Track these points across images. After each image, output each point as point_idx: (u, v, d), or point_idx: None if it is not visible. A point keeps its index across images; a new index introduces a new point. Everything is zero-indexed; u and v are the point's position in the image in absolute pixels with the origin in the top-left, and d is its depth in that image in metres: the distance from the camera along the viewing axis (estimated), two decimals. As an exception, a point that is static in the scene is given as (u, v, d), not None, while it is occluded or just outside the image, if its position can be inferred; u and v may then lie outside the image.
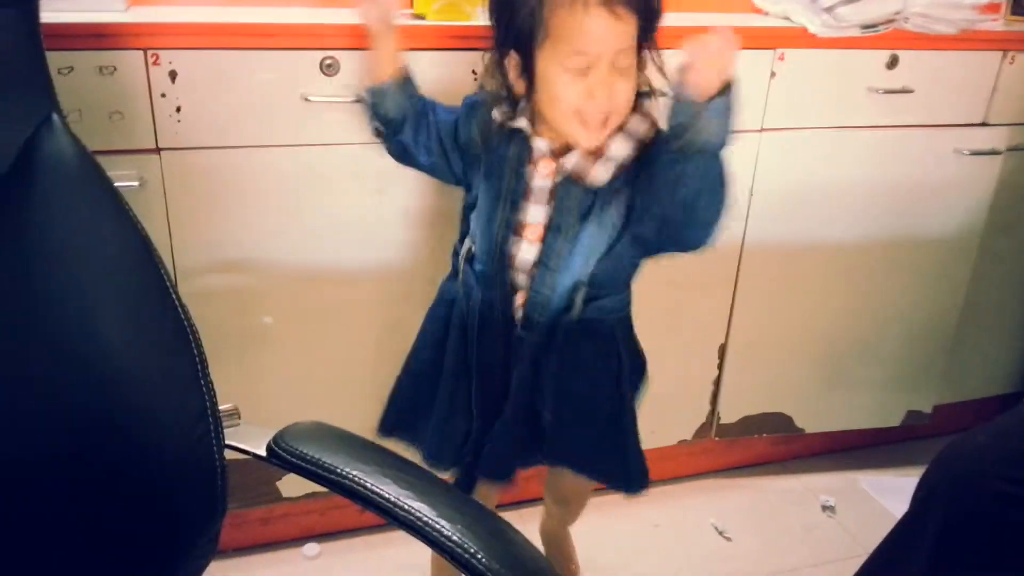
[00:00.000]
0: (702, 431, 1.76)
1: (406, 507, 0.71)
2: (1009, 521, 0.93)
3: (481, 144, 1.14)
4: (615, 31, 1.01)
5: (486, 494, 1.31)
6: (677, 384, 1.69)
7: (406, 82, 1.15)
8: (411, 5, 1.37)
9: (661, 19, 1.08)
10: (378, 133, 1.19)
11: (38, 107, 0.79)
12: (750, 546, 1.70)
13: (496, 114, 1.12)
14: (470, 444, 1.23)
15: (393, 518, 0.72)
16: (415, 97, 1.16)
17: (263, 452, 0.82)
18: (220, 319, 1.34)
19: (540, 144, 1.10)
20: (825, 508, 1.81)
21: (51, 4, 0.99)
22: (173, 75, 1.20)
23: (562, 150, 1.10)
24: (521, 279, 1.14)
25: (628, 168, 1.09)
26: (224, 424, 0.83)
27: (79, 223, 0.77)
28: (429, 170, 1.21)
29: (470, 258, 1.17)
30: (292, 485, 1.50)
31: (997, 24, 1.67)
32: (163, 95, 1.21)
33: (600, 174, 1.08)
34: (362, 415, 1.47)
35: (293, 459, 0.79)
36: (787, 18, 1.53)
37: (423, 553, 1.43)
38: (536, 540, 1.52)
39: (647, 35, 1.07)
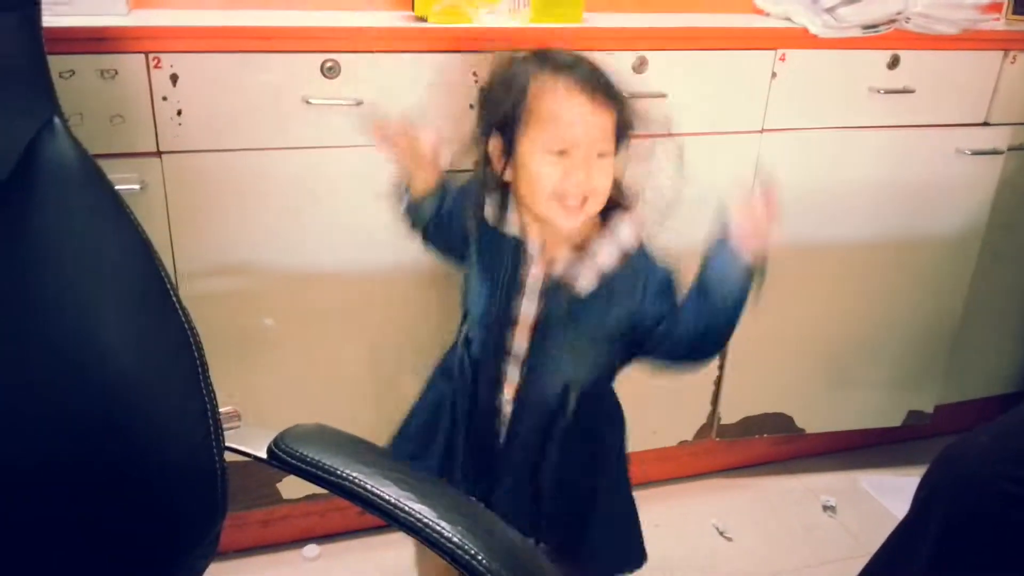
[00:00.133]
0: (703, 431, 1.76)
1: (407, 509, 0.72)
2: (1011, 521, 0.93)
3: (475, 235, 1.15)
4: (594, 118, 1.04)
5: None
6: (678, 385, 1.68)
7: (443, 188, 1.17)
8: (412, 7, 1.37)
9: (635, 126, 1.11)
10: (413, 227, 1.22)
11: (39, 110, 0.79)
12: (751, 546, 1.70)
13: (489, 215, 1.13)
14: None
15: (394, 520, 0.72)
16: (448, 194, 1.18)
17: (263, 454, 0.82)
18: (221, 321, 1.34)
19: (533, 246, 1.12)
20: (826, 508, 1.81)
21: (52, 8, 1.00)
22: (174, 78, 1.20)
23: (553, 248, 1.11)
24: (513, 372, 1.15)
25: (612, 278, 1.11)
26: (225, 426, 0.84)
27: (80, 226, 0.77)
28: (450, 257, 1.24)
29: (467, 342, 1.18)
30: (292, 487, 1.50)
31: (998, 24, 1.67)
32: (164, 98, 1.21)
33: (584, 281, 1.10)
34: (362, 417, 1.47)
35: (293, 461, 0.79)
36: (788, 19, 1.53)
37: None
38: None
39: (624, 131, 1.10)
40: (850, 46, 1.50)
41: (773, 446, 1.91)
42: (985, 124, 1.66)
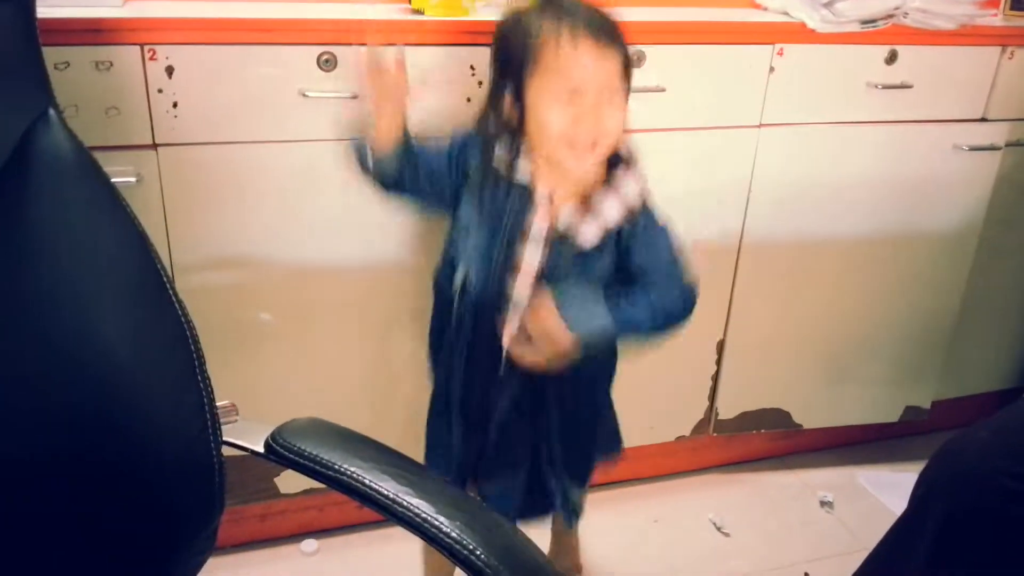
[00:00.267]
0: (700, 427, 1.76)
1: (404, 503, 0.71)
2: (1010, 517, 0.93)
3: (479, 181, 1.15)
4: (601, 62, 1.06)
5: None
6: (675, 380, 1.69)
7: (407, 146, 1.15)
8: (409, 0, 1.36)
9: (632, 64, 1.12)
10: (372, 180, 1.19)
11: (34, 102, 0.78)
12: (748, 542, 1.70)
13: (499, 162, 1.14)
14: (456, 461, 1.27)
15: (391, 514, 0.72)
16: (413, 154, 1.16)
17: (261, 448, 0.82)
18: (217, 315, 1.33)
19: (542, 191, 1.12)
20: (823, 504, 1.81)
21: (47, -1, 0.99)
22: (170, 70, 1.20)
23: (562, 197, 1.13)
24: (512, 319, 1.16)
25: (617, 235, 1.13)
26: (222, 420, 0.83)
27: (75, 219, 0.77)
28: (423, 207, 1.23)
29: (464, 289, 1.18)
30: (290, 481, 1.49)
31: (996, 19, 1.67)
32: (160, 91, 1.20)
33: (588, 235, 1.12)
34: (360, 411, 1.47)
35: (291, 455, 0.79)
36: (786, 13, 1.52)
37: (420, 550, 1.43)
38: (534, 535, 1.51)
39: (628, 72, 1.11)
40: (848, 41, 1.50)
41: (771, 442, 1.91)
42: (983, 120, 1.66)
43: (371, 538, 1.62)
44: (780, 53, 1.47)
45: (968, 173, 1.68)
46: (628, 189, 1.13)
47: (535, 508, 1.29)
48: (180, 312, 0.80)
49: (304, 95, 1.25)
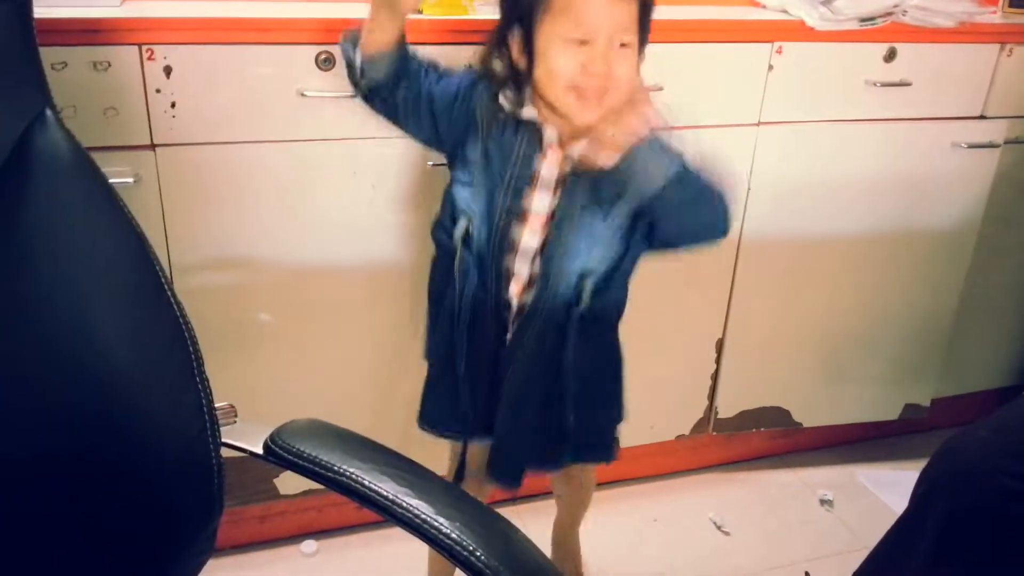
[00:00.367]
0: (700, 426, 1.76)
1: (404, 504, 0.71)
2: (1010, 516, 0.93)
3: (484, 127, 1.12)
4: (614, 8, 1.02)
5: (477, 489, 1.31)
6: (675, 379, 1.69)
7: (403, 48, 1.11)
8: (407, -1, 1.36)
9: (654, 8, 1.09)
10: (358, 87, 1.14)
11: (31, 103, 0.78)
12: (748, 540, 1.70)
13: (504, 101, 1.11)
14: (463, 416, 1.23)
15: (391, 515, 0.72)
16: (411, 61, 1.12)
17: (260, 450, 0.82)
18: (216, 316, 1.33)
19: (550, 133, 1.09)
20: (823, 502, 1.81)
21: (44, -1, 0.99)
22: (168, 70, 1.19)
23: (570, 139, 1.09)
24: (521, 267, 1.13)
25: (632, 154, 1.05)
26: (221, 422, 0.83)
27: (73, 220, 0.77)
28: (410, 133, 1.19)
29: (466, 240, 1.14)
30: (289, 482, 1.49)
31: (995, 16, 1.67)
32: (158, 91, 1.20)
33: (606, 158, 1.05)
34: (359, 412, 1.47)
35: (290, 457, 0.79)
36: (785, 11, 1.52)
37: (421, 550, 1.42)
38: (535, 537, 1.51)
39: (646, 20, 1.08)
40: (847, 39, 1.50)
41: (770, 440, 1.91)
42: (982, 117, 1.66)
43: (371, 539, 1.62)
44: (779, 51, 1.47)
45: (967, 171, 1.68)
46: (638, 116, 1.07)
47: (552, 456, 1.25)
48: (178, 313, 0.80)
49: (303, 95, 1.25)
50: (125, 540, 0.79)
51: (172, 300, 0.80)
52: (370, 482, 0.73)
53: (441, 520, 0.69)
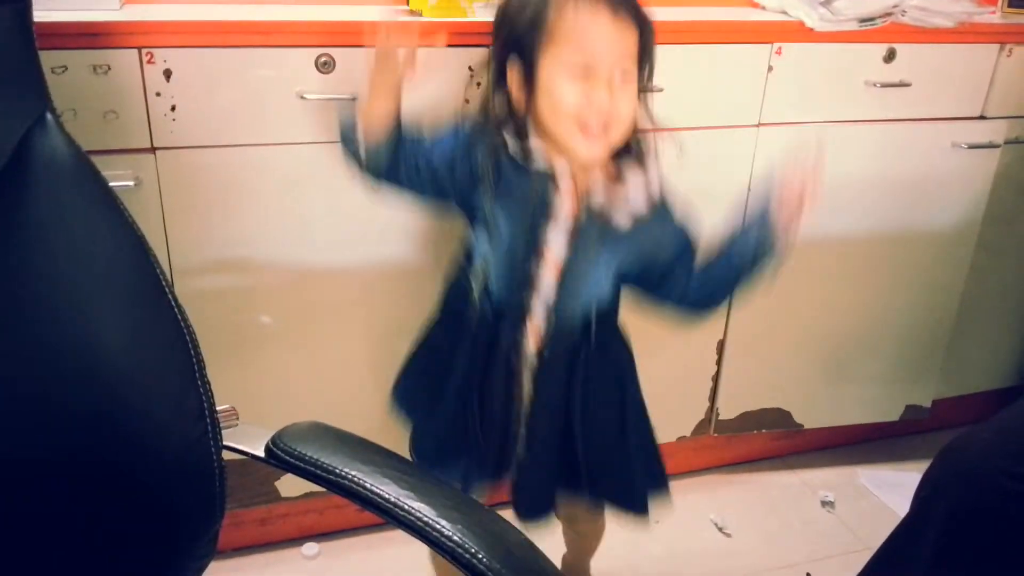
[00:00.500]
0: (701, 427, 1.76)
1: (406, 507, 0.71)
2: (1012, 517, 0.93)
3: (489, 175, 1.10)
4: (617, 36, 1.03)
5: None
6: (676, 380, 1.68)
7: (401, 133, 1.11)
8: (407, 2, 1.36)
9: (654, 44, 1.10)
10: (367, 178, 1.15)
11: (31, 106, 0.78)
12: (749, 542, 1.70)
13: (512, 149, 1.10)
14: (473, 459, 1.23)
15: (393, 518, 0.72)
16: (405, 142, 1.12)
17: (261, 453, 0.82)
18: (217, 319, 1.33)
19: (564, 179, 1.09)
20: (824, 503, 1.81)
21: (44, 2, 0.99)
22: (168, 74, 1.19)
23: (585, 187, 1.10)
24: (538, 305, 1.14)
25: (642, 220, 1.11)
26: (222, 425, 0.83)
27: (73, 223, 0.77)
28: (427, 204, 1.20)
29: (484, 285, 1.15)
30: (291, 485, 1.49)
31: (995, 17, 1.67)
32: (158, 94, 1.20)
33: (622, 220, 1.10)
34: (361, 415, 1.47)
35: (292, 460, 0.79)
36: (784, 12, 1.52)
37: (423, 553, 1.42)
38: (537, 540, 1.51)
39: (645, 54, 1.09)
40: (846, 39, 1.50)
41: (771, 441, 1.91)
42: (981, 118, 1.66)
43: (372, 541, 1.62)
44: (778, 52, 1.47)
45: (967, 171, 1.68)
46: (651, 179, 1.11)
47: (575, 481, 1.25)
48: (179, 315, 0.80)
49: (302, 97, 1.25)
50: (126, 542, 0.79)
51: (173, 303, 0.80)
52: (372, 485, 0.73)
53: (443, 523, 0.69)
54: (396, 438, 1.31)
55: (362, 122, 1.10)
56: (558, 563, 1.51)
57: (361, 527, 1.63)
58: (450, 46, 1.29)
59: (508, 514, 1.32)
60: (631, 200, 1.10)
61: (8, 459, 0.74)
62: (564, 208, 1.09)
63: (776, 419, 1.79)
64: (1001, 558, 0.96)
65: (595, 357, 1.16)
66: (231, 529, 1.54)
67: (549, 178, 1.09)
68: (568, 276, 1.12)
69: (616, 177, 1.11)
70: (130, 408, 0.77)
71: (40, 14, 0.80)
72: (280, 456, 0.79)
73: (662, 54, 1.39)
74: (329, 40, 1.24)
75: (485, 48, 1.30)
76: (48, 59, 0.83)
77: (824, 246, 1.65)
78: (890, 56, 1.54)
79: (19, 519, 0.76)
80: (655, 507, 1.29)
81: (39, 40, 0.79)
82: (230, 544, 1.57)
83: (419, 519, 0.70)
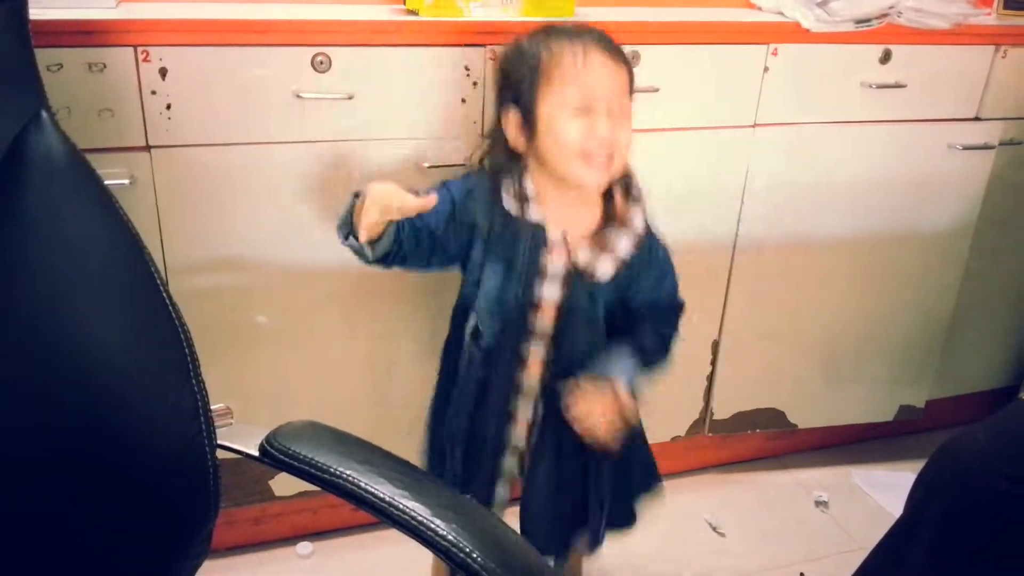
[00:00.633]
0: (695, 427, 1.76)
1: (400, 507, 0.71)
2: (1008, 518, 0.93)
3: (485, 230, 1.15)
4: (612, 74, 1.09)
5: None
6: (670, 380, 1.67)
7: (397, 225, 1.10)
8: (404, 1, 1.36)
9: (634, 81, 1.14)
10: (369, 262, 1.14)
11: (26, 104, 0.78)
12: (744, 541, 1.70)
13: (508, 203, 1.14)
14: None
15: (387, 518, 0.72)
16: (407, 228, 1.11)
17: (256, 452, 0.82)
18: (212, 318, 1.33)
19: (555, 235, 1.14)
20: (818, 503, 1.81)
21: (40, 0, 0.99)
22: (163, 72, 1.19)
23: (574, 240, 1.15)
24: (537, 349, 1.18)
25: (628, 262, 1.16)
26: (216, 424, 0.83)
27: (68, 222, 0.76)
28: (431, 267, 1.20)
29: (475, 335, 1.18)
30: (285, 484, 1.49)
31: (990, 18, 1.67)
32: (153, 92, 1.20)
33: (606, 270, 1.15)
34: (355, 414, 1.47)
35: (286, 459, 0.79)
36: (780, 13, 1.52)
37: (417, 552, 1.42)
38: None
39: (632, 93, 1.14)
40: (842, 40, 1.50)
41: (766, 441, 1.91)
42: (976, 119, 1.67)
43: (366, 540, 1.62)
44: (774, 53, 1.47)
45: (962, 172, 1.69)
46: (636, 220, 1.16)
47: (572, 536, 1.31)
48: (174, 314, 0.80)
49: (298, 96, 1.25)
50: (123, 541, 0.79)
51: (167, 301, 0.80)
52: (366, 484, 0.73)
53: (437, 522, 0.69)
54: (391, 438, 1.31)
55: (357, 227, 1.09)
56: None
57: (355, 526, 1.63)
58: (447, 46, 1.30)
59: (507, 512, 1.33)
60: (616, 248, 1.14)
61: (7, 459, 0.74)
62: (555, 265, 1.14)
63: (770, 419, 1.80)
64: (996, 559, 0.96)
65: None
66: (225, 528, 1.54)
67: (542, 235, 1.13)
68: (566, 319, 1.17)
69: (604, 222, 1.16)
70: (124, 406, 0.77)
71: (36, 12, 0.80)
72: (274, 455, 0.79)
73: (659, 55, 1.40)
74: (325, 39, 1.24)
75: (482, 48, 1.30)
76: (43, 57, 0.83)
77: (818, 247, 1.65)
78: (886, 57, 1.54)
79: (19, 519, 0.76)
80: (651, 503, 1.35)
81: (34, 38, 0.79)
82: (224, 543, 1.57)
83: (413, 518, 0.70)
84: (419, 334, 1.42)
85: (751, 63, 1.47)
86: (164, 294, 0.79)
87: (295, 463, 0.78)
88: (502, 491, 1.27)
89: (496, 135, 1.16)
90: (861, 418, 1.88)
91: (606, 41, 1.10)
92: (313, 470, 0.76)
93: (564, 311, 1.16)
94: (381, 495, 0.72)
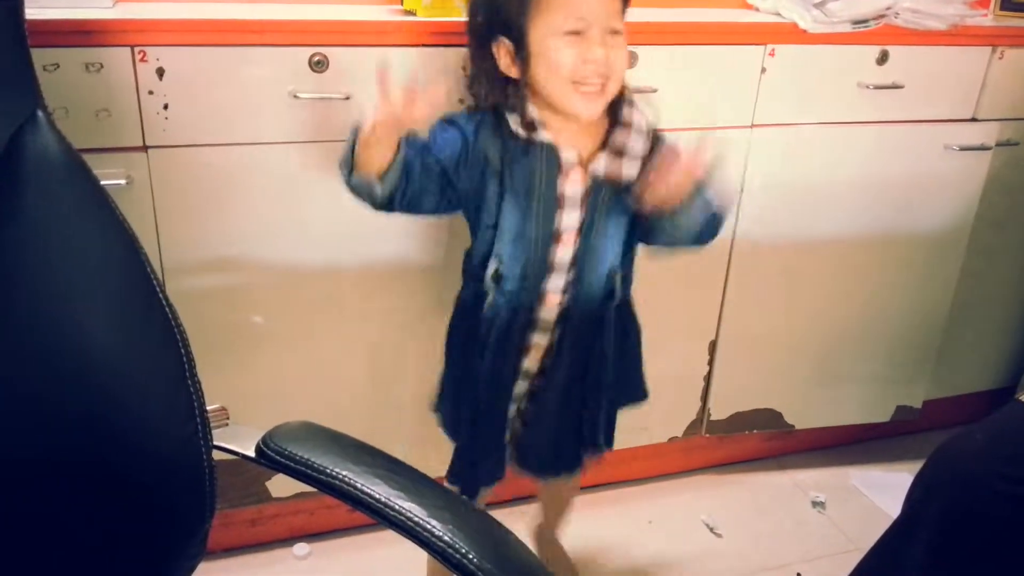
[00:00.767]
0: (693, 428, 1.76)
1: (396, 507, 0.71)
2: (1006, 519, 0.93)
3: (497, 163, 1.13)
4: None
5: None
6: (668, 381, 1.68)
7: (400, 151, 1.08)
8: (401, 1, 1.36)
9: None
10: (377, 206, 1.13)
11: (23, 104, 0.78)
12: (741, 542, 1.70)
13: (516, 127, 1.12)
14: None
15: (383, 518, 0.71)
16: (409, 157, 1.09)
17: (252, 453, 0.81)
18: (208, 318, 1.33)
19: (569, 155, 1.12)
20: (815, 504, 1.81)
21: (37, 0, 0.98)
22: (160, 72, 1.19)
23: (588, 156, 1.13)
24: (555, 283, 1.17)
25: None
26: (212, 424, 0.83)
27: (64, 222, 0.76)
28: (440, 211, 1.19)
29: (497, 278, 1.17)
30: (281, 485, 1.49)
31: (987, 19, 1.67)
32: (150, 92, 1.20)
33: (631, 171, 1.13)
34: (353, 415, 1.47)
35: (282, 460, 0.78)
36: (778, 13, 1.53)
37: (413, 553, 1.42)
38: (526, 539, 1.52)
39: (625, 12, 1.12)
40: (839, 41, 1.50)
41: (763, 442, 1.91)
42: (973, 120, 1.67)
43: (363, 542, 1.62)
44: (772, 54, 1.47)
45: (959, 173, 1.69)
46: (639, 120, 1.15)
47: (563, 464, 1.32)
48: (170, 315, 0.80)
49: (295, 96, 1.25)
50: (115, 543, 0.79)
51: (164, 302, 0.79)
52: (363, 485, 0.73)
53: (433, 523, 0.69)
54: (389, 438, 1.31)
55: (362, 165, 1.08)
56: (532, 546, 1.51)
57: (352, 527, 1.63)
58: (444, 46, 1.29)
59: (499, 514, 1.33)
60: (632, 144, 1.13)
61: (7, 459, 0.74)
62: (573, 190, 1.13)
63: (767, 420, 1.80)
64: (994, 560, 0.96)
65: (620, 309, 1.21)
66: (221, 529, 1.53)
67: (555, 162, 1.12)
68: (584, 245, 1.15)
69: (612, 126, 1.14)
70: (120, 406, 0.77)
71: (32, 11, 0.80)
72: (271, 456, 0.79)
73: (656, 55, 1.40)
74: (322, 39, 1.24)
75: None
76: (40, 57, 0.83)
77: (816, 247, 1.65)
78: (883, 58, 1.55)
79: (17, 519, 0.76)
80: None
81: (31, 37, 0.79)
82: (220, 544, 1.57)
83: (409, 519, 0.70)
84: (417, 334, 1.42)
85: (748, 64, 1.47)
86: (160, 294, 0.79)
87: (292, 464, 0.78)
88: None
89: (487, 71, 1.13)
90: (858, 419, 1.88)
91: None
92: (310, 471, 0.76)
93: (583, 234, 1.15)
94: (377, 496, 0.72)
